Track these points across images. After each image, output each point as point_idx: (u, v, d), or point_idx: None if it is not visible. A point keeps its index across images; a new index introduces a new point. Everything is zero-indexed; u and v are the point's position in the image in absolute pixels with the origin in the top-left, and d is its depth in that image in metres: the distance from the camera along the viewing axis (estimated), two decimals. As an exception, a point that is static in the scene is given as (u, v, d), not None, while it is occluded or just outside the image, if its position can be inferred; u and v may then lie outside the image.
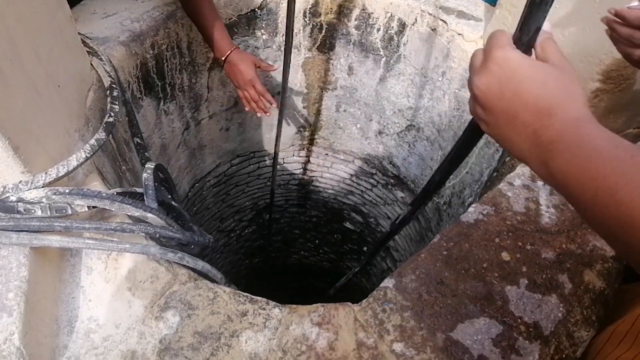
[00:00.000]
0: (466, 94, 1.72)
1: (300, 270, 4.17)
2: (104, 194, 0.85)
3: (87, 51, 1.23)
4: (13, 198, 0.81)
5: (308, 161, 2.73)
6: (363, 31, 1.83)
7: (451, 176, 1.95)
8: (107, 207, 0.85)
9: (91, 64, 1.23)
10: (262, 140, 2.41)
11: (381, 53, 1.90)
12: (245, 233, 3.26)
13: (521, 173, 1.28)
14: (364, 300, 0.89)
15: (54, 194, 0.81)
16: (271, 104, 1.55)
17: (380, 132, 2.28)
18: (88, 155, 0.91)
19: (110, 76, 1.20)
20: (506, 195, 1.20)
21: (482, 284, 0.99)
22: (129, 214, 0.89)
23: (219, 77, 1.85)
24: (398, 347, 0.84)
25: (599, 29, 0.94)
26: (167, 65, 1.58)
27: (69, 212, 0.84)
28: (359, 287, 3.84)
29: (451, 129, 1.87)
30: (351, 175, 2.75)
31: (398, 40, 1.82)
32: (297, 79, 2.08)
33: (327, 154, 2.63)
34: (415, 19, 1.72)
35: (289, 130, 2.43)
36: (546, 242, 1.12)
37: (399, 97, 2.02)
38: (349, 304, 0.88)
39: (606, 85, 1.16)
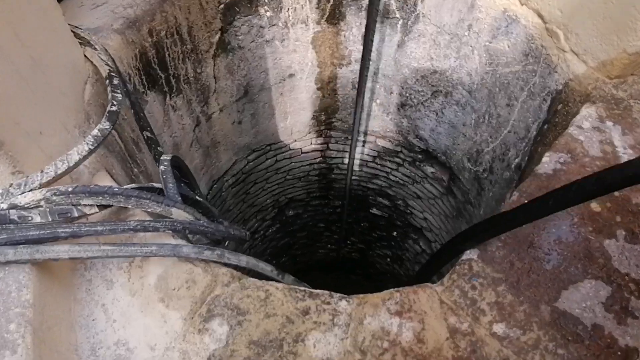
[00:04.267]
0: (499, 46, 1.55)
1: (329, 264, 4.03)
2: (116, 189, 0.70)
3: (79, 42, 1.09)
4: (3, 205, 0.66)
5: (327, 148, 2.57)
6: (375, -8, 1.67)
7: (490, 139, 1.79)
8: (121, 205, 0.70)
9: (85, 56, 1.09)
10: (277, 131, 2.25)
11: (397, 15, 1.74)
12: (270, 233, 3.12)
13: (587, 115, 1.11)
14: (446, 278, 0.73)
15: (54, 194, 0.66)
16: None
17: (402, 105, 2.12)
18: (91, 147, 0.76)
19: (107, 64, 1.05)
20: (578, 139, 1.03)
21: (578, 241, 0.83)
22: (148, 210, 0.74)
23: (225, 64, 1.70)
24: (499, 328, 0.68)
25: None
26: (169, 55, 1.43)
27: (75, 215, 0.69)
28: (392, 274, 3.69)
29: (484, 87, 1.69)
30: (374, 157, 2.59)
31: (414, -2, 1.65)
32: (307, 58, 1.92)
33: (346, 137, 2.46)
34: (432, -31, 1.55)
35: (303, 117, 2.28)
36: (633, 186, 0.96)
37: (420, 62, 1.85)
38: (429, 285, 0.73)
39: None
